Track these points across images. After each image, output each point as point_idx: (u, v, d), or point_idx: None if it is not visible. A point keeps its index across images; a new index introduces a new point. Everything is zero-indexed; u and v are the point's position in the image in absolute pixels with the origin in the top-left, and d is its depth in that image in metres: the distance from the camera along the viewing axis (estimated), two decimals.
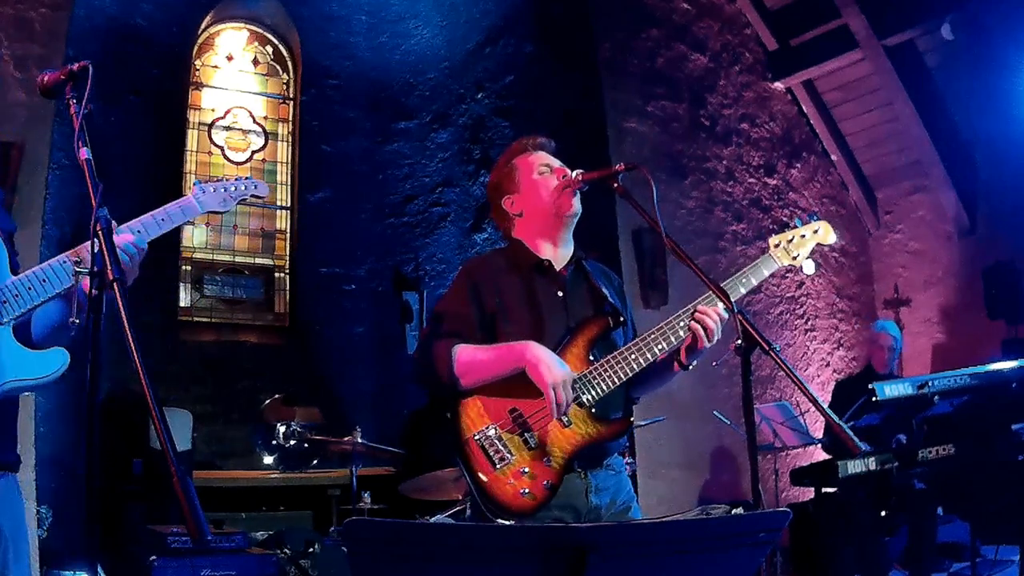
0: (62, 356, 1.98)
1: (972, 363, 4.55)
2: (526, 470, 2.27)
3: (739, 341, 2.11)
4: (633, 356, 2.35)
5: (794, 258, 2.50)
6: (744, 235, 7.08)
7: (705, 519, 1.84)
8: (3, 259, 2.03)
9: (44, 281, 1.98)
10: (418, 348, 2.57)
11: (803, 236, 2.51)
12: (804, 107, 7.63)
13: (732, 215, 7.09)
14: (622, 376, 2.34)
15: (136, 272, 2.10)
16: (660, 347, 2.36)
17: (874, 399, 4.09)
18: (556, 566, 1.35)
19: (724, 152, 7.18)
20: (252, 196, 2.53)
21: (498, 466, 2.26)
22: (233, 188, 2.47)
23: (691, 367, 2.44)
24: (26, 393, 2.02)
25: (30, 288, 1.97)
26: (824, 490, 4.84)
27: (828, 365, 7.40)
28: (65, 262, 2.00)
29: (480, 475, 2.26)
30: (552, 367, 2.25)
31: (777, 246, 2.52)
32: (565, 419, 2.30)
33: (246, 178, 2.54)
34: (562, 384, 2.23)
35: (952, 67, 6.91)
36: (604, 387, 2.33)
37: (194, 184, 2.42)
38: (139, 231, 2.15)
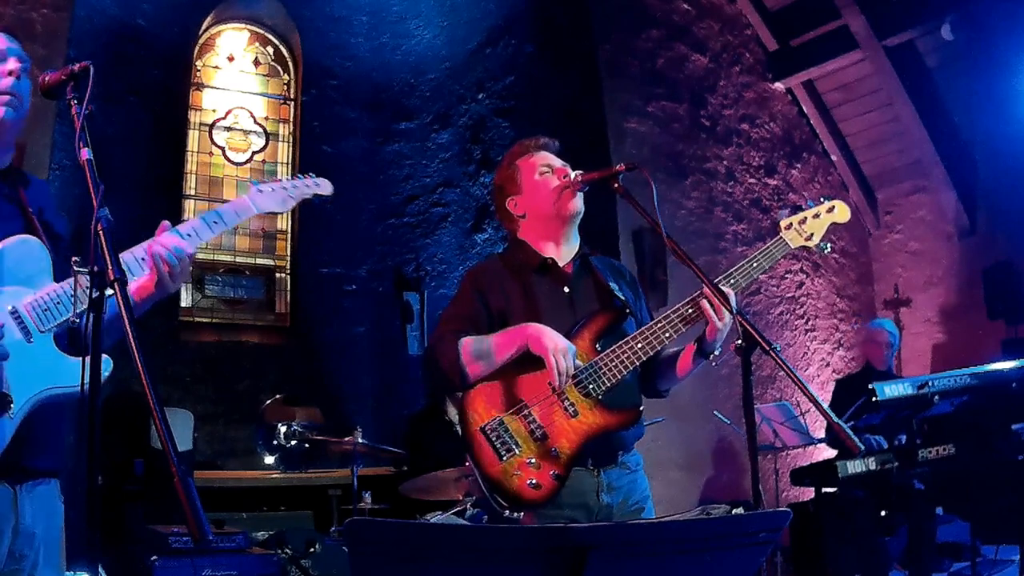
0: (103, 364, 1.86)
1: (972, 363, 4.55)
2: (533, 460, 2.27)
3: (739, 341, 2.12)
4: (640, 346, 2.34)
5: (807, 239, 2.46)
6: (744, 235, 7.08)
7: (705, 519, 1.84)
8: (46, 264, 1.98)
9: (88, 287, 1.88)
10: (425, 351, 2.58)
11: (816, 216, 2.47)
12: (804, 107, 7.64)
13: (732, 215, 7.09)
14: (628, 366, 2.33)
15: (184, 278, 2.01)
16: (667, 335, 2.35)
17: (874, 399, 4.08)
18: (556, 566, 1.36)
19: (724, 152, 7.18)
20: (316, 196, 2.36)
21: (504, 457, 2.26)
22: (293, 188, 2.31)
23: (713, 355, 2.40)
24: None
25: (72, 295, 1.90)
26: (824, 490, 4.84)
27: (828, 365, 7.41)
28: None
29: (487, 467, 2.27)
30: (553, 336, 2.27)
31: (789, 228, 2.47)
32: (571, 408, 2.30)
33: (308, 175, 2.35)
34: (563, 352, 2.23)
35: (952, 67, 6.92)
36: (610, 377, 2.32)
37: (251, 184, 2.27)
38: (189, 234, 2.05)
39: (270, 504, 5.77)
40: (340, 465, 5.26)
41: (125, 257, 1.97)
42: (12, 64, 1.99)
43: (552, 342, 2.25)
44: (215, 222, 2.14)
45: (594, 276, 2.57)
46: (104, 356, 1.85)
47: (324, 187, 2.39)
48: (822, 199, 2.52)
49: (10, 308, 1.88)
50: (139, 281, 1.99)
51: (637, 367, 2.37)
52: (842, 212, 2.48)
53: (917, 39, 6.91)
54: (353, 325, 6.94)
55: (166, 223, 2.05)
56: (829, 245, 2.50)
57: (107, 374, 1.87)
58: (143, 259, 1.98)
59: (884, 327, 5.79)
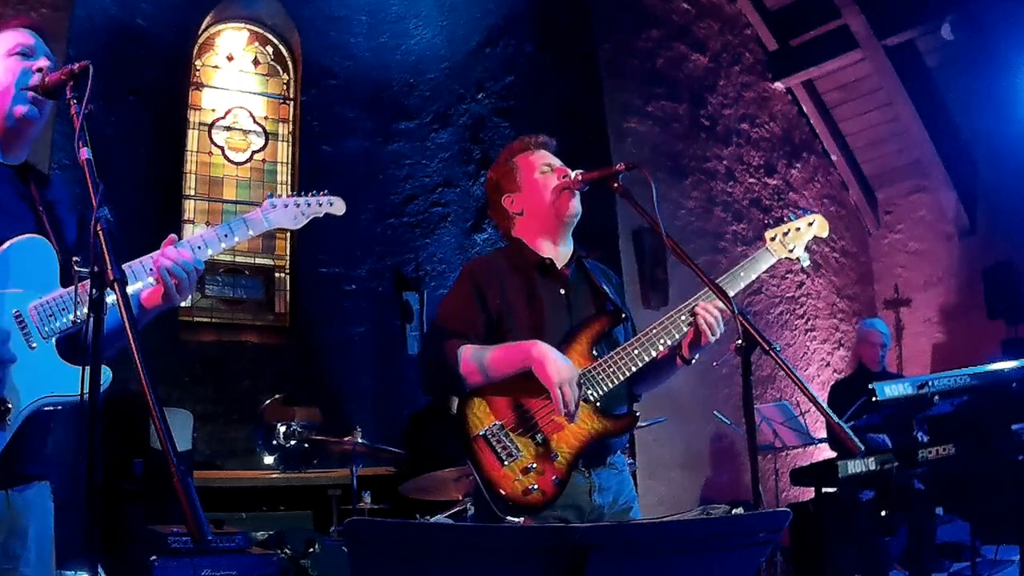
0: (102, 374, 1.84)
1: (972, 363, 4.55)
2: (534, 466, 2.27)
3: (739, 341, 2.12)
4: (636, 352, 2.36)
5: (790, 251, 2.54)
6: (744, 235, 7.08)
7: (705, 519, 1.84)
8: (53, 269, 1.94)
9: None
10: (422, 351, 2.57)
11: (798, 229, 2.55)
12: (804, 107, 7.64)
13: (732, 215, 7.09)
14: (626, 372, 2.35)
15: (192, 290, 2.04)
16: (663, 342, 2.38)
17: (874, 399, 4.08)
18: (557, 566, 1.35)
19: (724, 152, 7.18)
20: (327, 215, 2.38)
21: (506, 463, 2.26)
22: (307, 205, 2.34)
23: (692, 361, 2.46)
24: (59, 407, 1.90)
25: (74, 296, 1.88)
26: (824, 490, 4.84)
27: (828, 365, 7.41)
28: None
29: (488, 472, 2.26)
30: (558, 365, 2.25)
31: (773, 239, 2.56)
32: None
33: (322, 193, 2.39)
34: (568, 382, 2.23)
35: (952, 67, 6.92)
36: (609, 383, 2.34)
37: (266, 196, 2.31)
38: (200, 247, 2.09)
39: (270, 504, 5.78)
40: (340, 465, 5.26)
41: (134, 266, 1.96)
42: (42, 62, 1.99)
43: (557, 373, 2.23)
44: (226, 235, 2.15)
45: (590, 279, 2.57)
46: (103, 366, 1.83)
47: (337, 206, 2.41)
48: (804, 212, 2.60)
49: (15, 312, 1.86)
50: (147, 291, 1.99)
51: (632, 372, 2.38)
52: (821, 227, 2.57)
53: (917, 39, 6.91)
54: (353, 325, 6.94)
55: (173, 236, 2.05)
56: (809, 259, 2.59)
57: (106, 384, 1.84)
58: (151, 269, 1.97)
59: (876, 327, 5.80)
